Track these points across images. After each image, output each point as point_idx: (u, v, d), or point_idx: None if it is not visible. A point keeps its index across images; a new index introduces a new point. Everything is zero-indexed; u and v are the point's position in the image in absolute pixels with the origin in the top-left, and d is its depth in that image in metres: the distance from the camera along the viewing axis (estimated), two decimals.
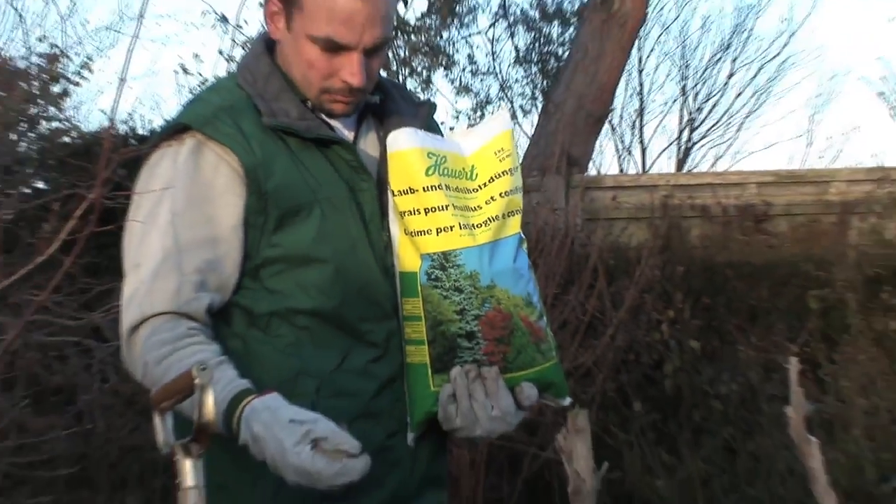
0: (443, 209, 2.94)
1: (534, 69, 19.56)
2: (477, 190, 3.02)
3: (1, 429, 5.36)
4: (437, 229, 2.94)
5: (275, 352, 2.98)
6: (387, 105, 3.18)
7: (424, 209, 2.94)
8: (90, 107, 10.17)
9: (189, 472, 2.59)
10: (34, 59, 9.09)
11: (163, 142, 3.02)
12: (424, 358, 2.95)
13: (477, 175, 3.04)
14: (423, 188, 2.94)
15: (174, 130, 3.00)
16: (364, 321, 3.02)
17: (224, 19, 13.03)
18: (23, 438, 5.84)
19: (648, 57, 22.18)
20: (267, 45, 3.14)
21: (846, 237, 9.66)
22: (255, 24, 12.06)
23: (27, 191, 8.45)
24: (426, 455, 3.11)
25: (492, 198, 3.00)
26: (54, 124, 9.60)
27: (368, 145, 3.15)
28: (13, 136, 8.86)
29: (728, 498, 7.41)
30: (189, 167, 2.96)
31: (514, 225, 3.05)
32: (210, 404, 2.54)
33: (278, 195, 2.94)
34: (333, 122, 3.08)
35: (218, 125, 2.94)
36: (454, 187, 2.99)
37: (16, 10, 7.44)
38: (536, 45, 19.49)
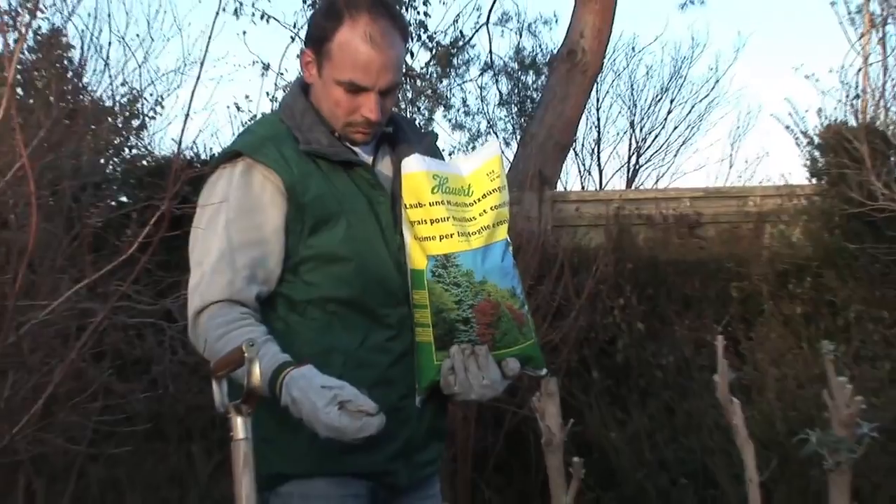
0: (445, 220, 3.02)
1: (513, 109, 19.64)
2: (472, 204, 3.09)
3: (92, 392, 5.35)
4: (439, 236, 3.02)
5: (310, 332, 3.04)
6: (398, 135, 3.23)
7: (430, 220, 3.02)
8: (162, 136, 10.21)
9: (240, 426, 2.67)
10: (118, 98, 9.11)
11: (220, 165, 3.09)
12: (429, 338, 3.01)
13: (472, 192, 3.10)
14: (430, 203, 3.02)
15: (230, 156, 3.07)
16: (381, 307, 3.07)
17: (267, 67, 13.08)
18: (109, 400, 5.83)
19: (604, 97, 22.09)
20: (302, 88, 3.18)
21: (760, 240, 9.64)
22: (292, 71, 12.13)
23: (113, 203, 8.43)
24: (430, 414, 3.16)
25: (484, 210, 3.07)
26: (134, 151, 9.70)
27: (384, 167, 3.19)
28: (102, 160, 8.88)
29: (668, 447, 7.41)
30: (241, 185, 3.03)
31: (502, 232, 3.11)
32: (256, 373, 2.60)
33: (313, 207, 3.01)
34: (356, 149, 3.12)
35: (264, 151, 3.01)
36: (454, 202, 3.07)
37: (103, 59, 7.42)
38: (516, 89, 19.56)
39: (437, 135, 3.49)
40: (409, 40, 3.41)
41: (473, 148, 18.14)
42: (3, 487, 5.63)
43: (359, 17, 2.98)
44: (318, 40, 3.06)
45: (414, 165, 3.07)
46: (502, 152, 3.31)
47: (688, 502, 7.08)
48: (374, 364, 3.05)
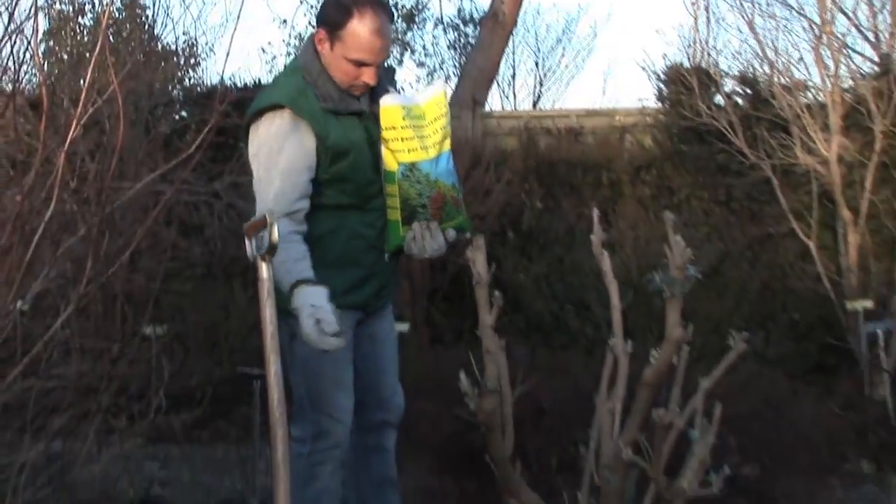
0: (410, 139, 3.17)
1: (457, 52, 19.48)
2: (427, 125, 3.20)
3: (164, 247, 5.32)
4: (407, 149, 3.18)
5: (328, 218, 3.13)
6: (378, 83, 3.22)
7: (401, 138, 3.17)
8: (211, 70, 10.13)
9: (263, 269, 2.64)
10: (180, 44, 9.09)
11: (269, 111, 3.07)
12: (398, 217, 3.18)
13: (426, 117, 3.21)
14: (401, 127, 3.16)
15: (276, 105, 3.06)
16: (369, 202, 3.18)
17: (285, 21, 12.95)
18: (176, 252, 5.81)
19: (518, 45, 21.87)
20: (314, 49, 3.16)
21: (623, 145, 9.64)
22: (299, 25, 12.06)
23: (177, 117, 8.37)
24: (392, 266, 3.32)
25: (435, 130, 3.21)
26: (191, 81, 9.83)
27: (364, 103, 3.21)
28: (169, 87, 8.84)
29: (558, 285, 7.49)
30: (288, 129, 3.04)
31: (447, 145, 3.25)
32: (275, 233, 2.59)
33: (333, 145, 3.07)
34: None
35: (300, 104, 3.05)
36: (415, 125, 3.19)
37: (169, 16, 7.39)
38: (458, 38, 19.38)
39: (394, 70, 3.52)
40: (394, 22, 3.43)
41: (432, 79, 18.15)
42: (107, 309, 5.65)
43: (365, 13, 3.00)
44: (331, 25, 3.05)
45: (389, 101, 3.16)
46: (447, 88, 3.41)
47: (570, 321, 7.18)
48: (366, 236, 3.19)
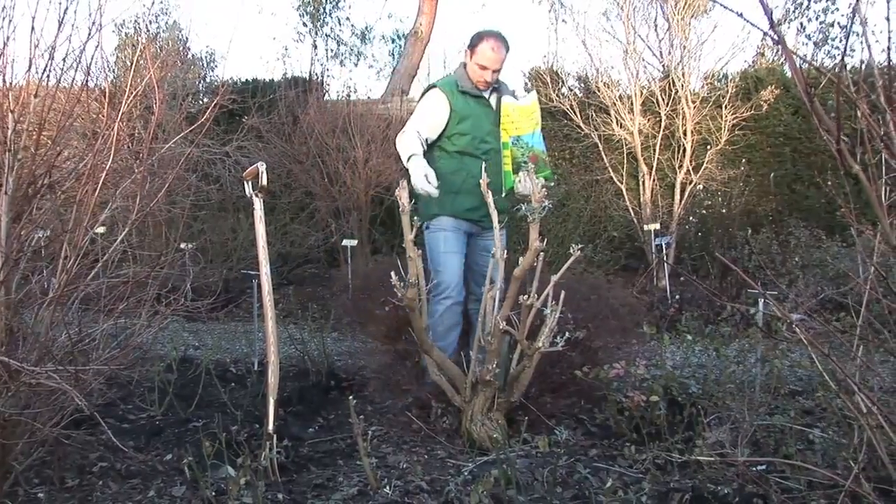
0: (515, 122, 3.42)
1: (394, 58, 19.15)
2: (525, 116, 3.44)
3: (188, 185, 5.19)
4: (515, 128, 3.42)
5: (452, 160, 3.44)
6: (498, 88, 3.56)
7: (511, 121, 3.42)
8: (222, 72, 9.95)
9: (257, 205, 2.56)
10: (202, 55, 8.90)
11: (429, 90, 3.52)
12: (510, 168, 3.45)
13: (525, 111, 3.44)
14: (510, 115, 3.42)
15: (431, 86, 3.53)
16: (483, 153, 3.45)
17: (274, 38, 12.36)
18: (198, 193, 5.65)
19: (432, 53, 21.61)
20: (463, 65, 3.53)
21: None
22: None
23: (200, 102, 8.15)
24: (503, 199, 3.45)
25: (531, 118, 3.44)
26: (209, 79, 9.78)
27: (492, 100, 3.53)
28: (196, 82, 8.65)
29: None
30: (434, 98, 3.46)
31: (538, 126, 3.48)
32: (265, 180, 2.48)
33: (457, 111, 3.43)
34: (482, 91, 3.51)
35: (444, 87, 3.46)
36: (519, 115, 3.43)
37: (196, 36, 7.22)
38: (396, 48, 19.08)
39: (513, 90, 3.65)
40: (509, 48, 3.49)
41: (378, 76, 18.12)
42: (153, 230, 5.49)
43: (489, 38, 3.43)
44: (472, 45, 3.46)
45: (505, 101, 3.45)
46: (537, 96, 3.61)
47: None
48: (477, 175, 3.11)
